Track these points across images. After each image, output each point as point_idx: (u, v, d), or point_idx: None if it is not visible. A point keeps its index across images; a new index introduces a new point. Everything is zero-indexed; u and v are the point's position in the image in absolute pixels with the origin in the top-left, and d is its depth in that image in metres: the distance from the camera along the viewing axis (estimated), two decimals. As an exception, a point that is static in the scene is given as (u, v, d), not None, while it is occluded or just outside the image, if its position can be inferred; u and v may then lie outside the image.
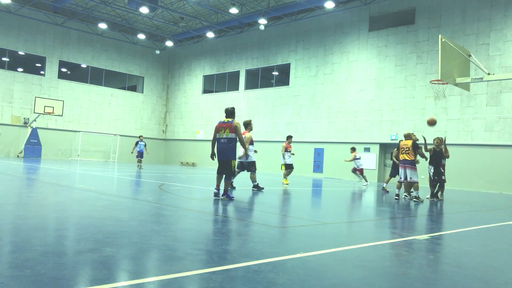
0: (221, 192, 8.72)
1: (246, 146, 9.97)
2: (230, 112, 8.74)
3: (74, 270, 3.19)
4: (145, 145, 22.51)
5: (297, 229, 5.90)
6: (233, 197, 8.84)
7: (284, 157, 14.93)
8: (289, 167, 14.98)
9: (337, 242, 5.06)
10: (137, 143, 22.43)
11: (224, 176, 8.64)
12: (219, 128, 8.61)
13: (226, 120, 8.67)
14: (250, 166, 11.49)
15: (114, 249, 3.91)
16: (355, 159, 17.43)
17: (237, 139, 8.60)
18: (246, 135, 10.82)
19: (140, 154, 22.28)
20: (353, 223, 7.01)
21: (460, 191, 18.38)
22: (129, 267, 3.42)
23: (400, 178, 11.56)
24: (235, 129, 8.48)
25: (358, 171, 17.66)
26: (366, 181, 17.60)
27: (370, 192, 14.45)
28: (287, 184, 14.60)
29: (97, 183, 12.30)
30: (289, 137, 15.31)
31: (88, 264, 3.37)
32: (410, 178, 11.12)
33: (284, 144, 14.94)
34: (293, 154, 15.14)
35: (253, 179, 11.47)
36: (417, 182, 11.17)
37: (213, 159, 8.62)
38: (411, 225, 7.31)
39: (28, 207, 6.48)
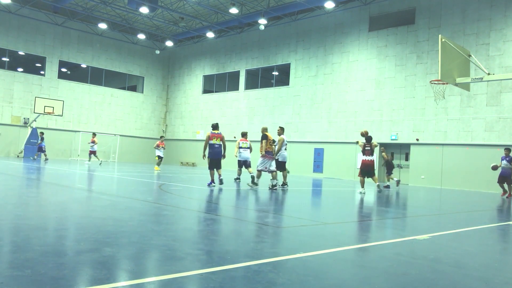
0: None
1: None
2: (215, 126, 12.07)
3: (74, 270, 3.19)
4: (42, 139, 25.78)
5: (297, 229, 5.90)
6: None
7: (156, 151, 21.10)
8: (160, 158, 21.09)
9: (337, 242, 5.06)
10: (42, 139, 25.38)
11: (217, 168, 11.81)
12: (212, 137, 11.82)
13: (216, 132, 11.95)
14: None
15: (114, 249, 3.91)
16: None
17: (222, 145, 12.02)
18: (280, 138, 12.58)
19: (40, 149, 25.08)
20: (353, 223, 7.01)
21: (460, 191, 18.37)
22: (129, 267, 3.42)
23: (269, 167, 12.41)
24: (223, 138, 12.00)
25: None
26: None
27: (369, 192, 14.43)
28: (158, 170, 20.11)
29: (97, 183, 12.30)
30: (161, 137, 22.84)
31: (88, 264, 3.37)
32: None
33: (158, 142, 21.53)
34: (164, 148, 21.49)
35: (285, 176, 13.20)
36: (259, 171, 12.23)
37: (204, 159, 11.78)
38: (411, 225, 7.31)
39: (28, 207, 6.48)
